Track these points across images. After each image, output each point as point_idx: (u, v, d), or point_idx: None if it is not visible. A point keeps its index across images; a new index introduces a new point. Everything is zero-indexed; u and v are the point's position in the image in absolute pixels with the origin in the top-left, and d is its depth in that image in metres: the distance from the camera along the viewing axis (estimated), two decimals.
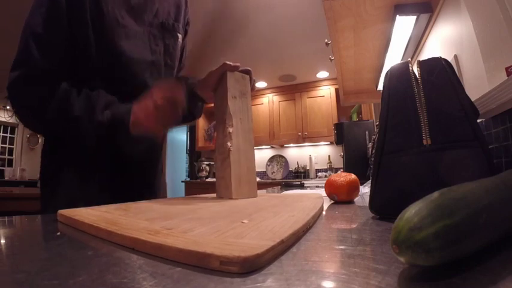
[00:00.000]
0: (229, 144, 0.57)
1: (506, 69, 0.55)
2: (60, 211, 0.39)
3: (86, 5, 0.58)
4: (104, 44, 0.60)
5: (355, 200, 0.63)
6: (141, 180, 0.72)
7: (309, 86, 3.81)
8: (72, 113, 0.54)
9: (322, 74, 3.61)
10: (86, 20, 0.58)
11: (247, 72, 0.65)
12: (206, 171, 4.08)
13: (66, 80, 0.57)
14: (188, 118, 0.84)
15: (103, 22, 0.59)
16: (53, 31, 0.56)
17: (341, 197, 0.58)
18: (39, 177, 0.66)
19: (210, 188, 3.64)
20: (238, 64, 0.62)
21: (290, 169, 3.96)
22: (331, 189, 0.59)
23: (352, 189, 0.59)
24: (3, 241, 0.32)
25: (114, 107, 0.56)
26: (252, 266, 0.19)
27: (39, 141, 4.16)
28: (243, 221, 0.30)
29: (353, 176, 0.61)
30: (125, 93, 0.60)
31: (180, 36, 0.75)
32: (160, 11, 0.71)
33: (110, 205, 0.46)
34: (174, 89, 0.56)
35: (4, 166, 3.85)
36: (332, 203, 0.59)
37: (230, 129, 0.58)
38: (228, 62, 0.61)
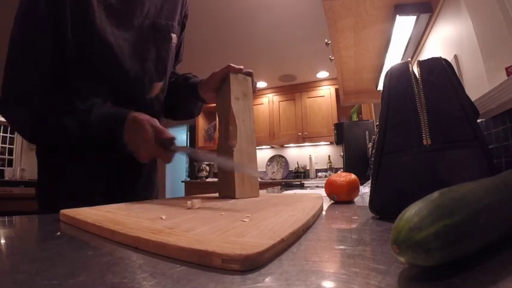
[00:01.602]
0: (231, 144, 0.58)
1: (506, 69, 0.55)
2: (63, 211, 0.39)
3: (68, 20, 0.55)
4: (88, 61, 0.58)
5: (355, 200, 0.63)
6: (134, 180, 0.72)
7: (309, 86, 3.81)
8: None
9: (322, 74, 3.61)
10: (68, 35, 0.55)
11: (249, 74, 0.66)
12: (206, 171, 4.08)
13: (53, 94, 0.56)
14: (186, 116, 0.86)
15: (87, 36, 0.57)
16: (34, 47, 0.54)
17: (341, 197, 0.58)
18: (37, 177, 0.65)
19: (210, 188, 3.63)
20: (241, 66, 0.63)
21: (290, 169, 3.96)
22: (331, 189, 0.59)
23: (352, 189, 0.59)
24: (3, 241, 0.32)
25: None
26: (252, 263, 0.19)
27: None
28: (244, 220, 0.30)
29: (353, 176, 0.61)
30: (114, 103, 0.60)
31: (174, 36, 0.72)
32: (152, 9, 0.67)
33: (111, 205, 0.46)
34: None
35: (4, 166, 3.84)
36: (332, 203, 0.59)
37: (233, 130, 0.58)
38: (232, 64, 0.62)
